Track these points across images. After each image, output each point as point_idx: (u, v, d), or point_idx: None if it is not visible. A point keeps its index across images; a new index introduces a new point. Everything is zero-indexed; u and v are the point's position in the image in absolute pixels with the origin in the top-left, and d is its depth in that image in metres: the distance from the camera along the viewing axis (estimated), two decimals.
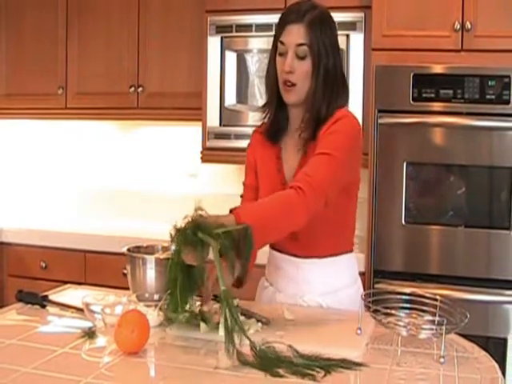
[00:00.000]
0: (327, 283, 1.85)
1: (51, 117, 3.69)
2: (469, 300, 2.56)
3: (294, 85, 1.78)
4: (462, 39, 2.65)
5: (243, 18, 3.12)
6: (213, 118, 3.20)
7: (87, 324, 1.57)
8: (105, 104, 3.49)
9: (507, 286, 2.59)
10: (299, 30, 1.76)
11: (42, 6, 3.60)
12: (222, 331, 1.38)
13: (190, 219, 1.47)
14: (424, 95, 2.67)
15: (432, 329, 1.43)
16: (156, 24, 3.40)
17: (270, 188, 1.85)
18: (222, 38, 3.16)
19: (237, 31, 3.14)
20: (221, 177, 3.58)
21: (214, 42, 3.17)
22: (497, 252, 2.61)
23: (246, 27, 3.12)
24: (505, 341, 2.56)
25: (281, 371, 1.29)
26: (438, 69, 2.68)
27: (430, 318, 1.50)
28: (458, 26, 2.64)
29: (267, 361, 1.33)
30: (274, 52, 1.83)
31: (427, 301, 1.53)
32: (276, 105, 1.86)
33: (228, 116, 3.18)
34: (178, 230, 1.47)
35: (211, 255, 1.44)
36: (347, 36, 2.94)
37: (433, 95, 2.66)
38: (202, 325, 1.50)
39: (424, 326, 1.46)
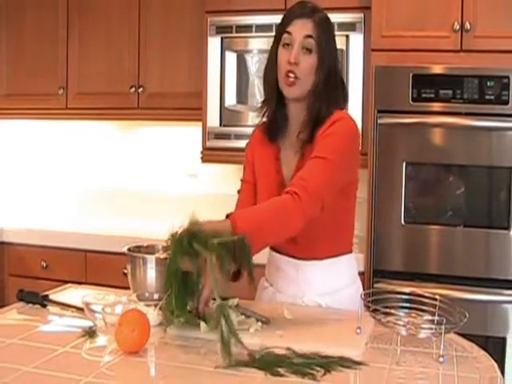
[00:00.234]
0: (327, 284, 1.85)
1: (52, 117, 3.69)
2: (468, 299, 2.56)
3: (296, 78, 1.75)
4: (462, 40, 2.65)
5: (243, 19, 3.13)
6: (213, 118, 3.20)
7: (88, 323, 1.57)
8: (105, 104, 3.50)
9: (506, 285, 2.60)
10: (307, 24, 1.75)
11: (43, 6, 3.60)
12: (219, 347, 1.36)
13: (185, 228, 1.47)
14: (423, 95, 2.67)
15: (431, 328, 1.43)
16: (156, 24, 3.40)
17: (268, 188, 1.85)
18: (222, 38, 3.16)
19: (237, 32, 3.14)
20: (221, 177, 3.59)
21: (214, 43, 3.17)
22: (496, 252, 2.61)
23: (246, 28, 3.13)
24: (504, 340, 2.56)
25: (281, 370, 1.29)
26: (437, 69, 2.68)
27: (430, 317, 1.50)
28: (458, 27, 2.64)
29: (267, 360, 1.33)
30: (276, 45, 1.80)
31: (426, 300, 1.53)
32: (275, 102, 1.83)
33: (228, 116, 3.19)
34: (174, 239, 1.47)
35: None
36: (347, 37, 2.95)
37: (432, 95, 2.66)
38: (202, 324, 1.50)
39: (423, 326, 1.46)
